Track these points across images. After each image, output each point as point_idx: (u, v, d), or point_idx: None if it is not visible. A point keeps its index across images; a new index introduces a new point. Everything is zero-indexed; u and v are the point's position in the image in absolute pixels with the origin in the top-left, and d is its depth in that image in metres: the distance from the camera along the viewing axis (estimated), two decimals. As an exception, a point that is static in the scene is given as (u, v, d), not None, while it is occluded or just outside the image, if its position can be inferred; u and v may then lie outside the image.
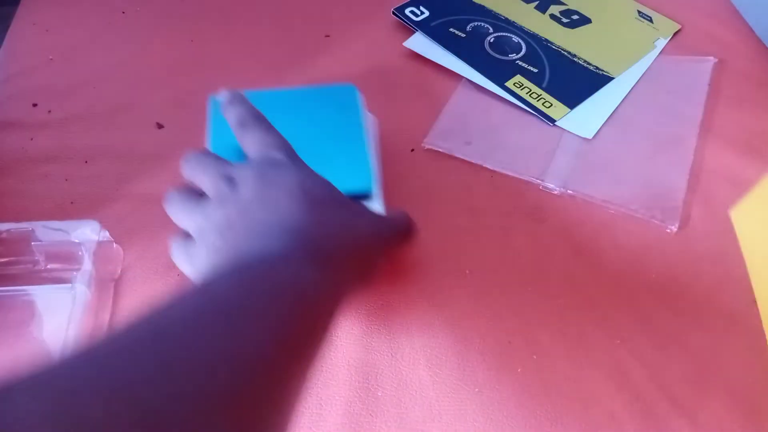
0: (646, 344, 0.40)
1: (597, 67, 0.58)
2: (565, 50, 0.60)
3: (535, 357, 0.39)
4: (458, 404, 0.37)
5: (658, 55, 0.60)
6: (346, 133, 0.40)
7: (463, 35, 0.60)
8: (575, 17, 0.64)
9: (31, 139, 0.51)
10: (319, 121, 0.41)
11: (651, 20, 0.64)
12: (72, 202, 0.47)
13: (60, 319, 0.38)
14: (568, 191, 0.48)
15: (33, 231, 0.40)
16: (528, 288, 0.43)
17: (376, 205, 0.37)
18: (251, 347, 0.22)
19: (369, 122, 0.42)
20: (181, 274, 0.43)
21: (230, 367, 0.20)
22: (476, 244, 0.45)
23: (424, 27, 0.60)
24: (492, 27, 0.62)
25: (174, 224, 0.33)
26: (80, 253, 0.40)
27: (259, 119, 0.34)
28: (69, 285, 0.40)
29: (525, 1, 0.65)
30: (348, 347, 0.39)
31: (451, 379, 0.38)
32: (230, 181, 0.31)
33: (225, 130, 0.35)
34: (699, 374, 0.39)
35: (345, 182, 0.34)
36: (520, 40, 0.60)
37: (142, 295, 0.41)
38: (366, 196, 0.37)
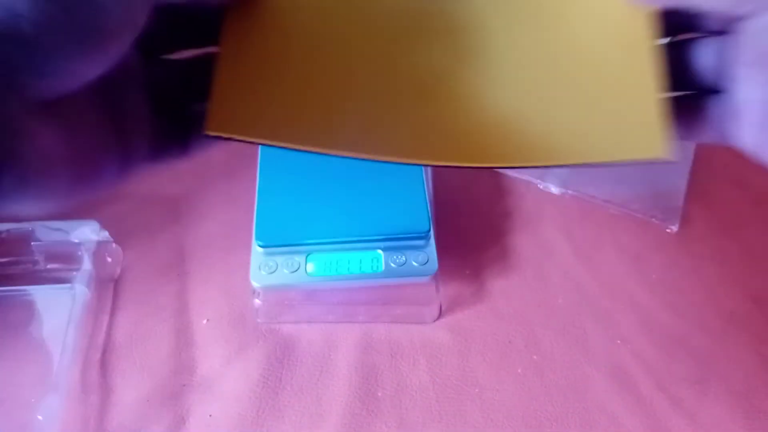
0: (646, 344, 0.40)
1: (597, 67, 0.58)
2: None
3: (535, 357, 0.39)
4: (458, 404, 0.37)
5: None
6: (406, 172, 0.41)
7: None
8: (575, 17, 0.64)
9: (31, 139, 0.51)
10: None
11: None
12: (72, 202, 0.47)
13: (60, 319, 0.38)
14: (568, 191, 0.48)
15: (33, 231, 0.40)
16: (528, 288, 0.43)
17: (430, 243, 0.38)
18: None
19: None
20: (181, 273, 0.43)
21: None
22: (476, 244, 0.45)
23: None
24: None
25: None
26: (80, 253, 0.40)
27: None
28: (69, 285, 0.40)
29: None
30: (348, 347, 0.39)
31: (451, 379, 0.38)
32: None
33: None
34: (699, 374, 0.39)
35: (402, 222, 0.34)
36: (520, 40, 0.60)
37: (142, 295, 0.41)
38: (421, 236, 0.38)
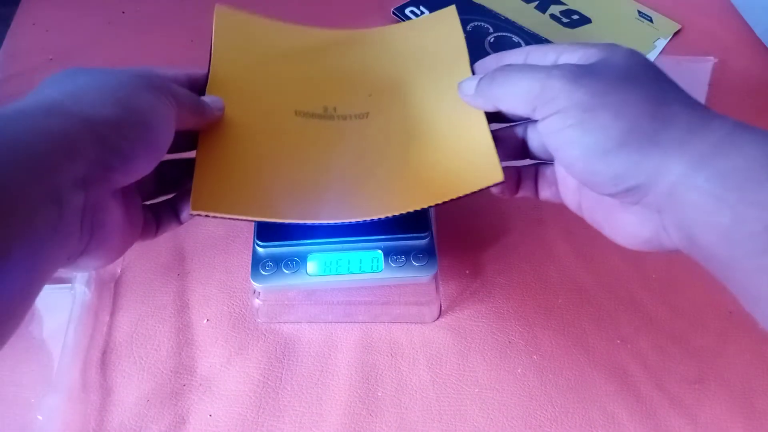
0: (646, 344, 0.40)
1: (597, 67, 0.58)
2: (565, 50, 0.60)
3: (535, 357, 0.39)
4: (458, 404, 0.37)
5: (658, 55, 0.60)
6: None
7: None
8: (575, 17, 0.64)
9: (31, 139, 0.51)
10: None
11: (651, 20, 0.64)
12: (72, 202, 0.47)
13: (60, 319, 0.38)
14: (568, 191, 0.48)
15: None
16: (528, 288, 0.43)
17: (430, 243, 0.38)
18: None
19: None
20: (181, 273, 0.43)
21: None
22: (476, 244, 0.45)
23: (424, 27, 0.60)
24: (492, 27, 0.62)
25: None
26: (80, 253, 0.40)
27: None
28: (69, 285, 0.40)
29: (525, 1, 0.65)
30: (348, 347, 0.40)
31: (451, 379, 0.38)
32: None
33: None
34: (699, 374, 0.39)
35: (402, 222, 0.37)
36: (520, 40, 0.60)
37: (142, 295, 0.41)
38: (421, 236, 0.38)
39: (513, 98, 0.28)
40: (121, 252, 0.27)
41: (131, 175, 0.25)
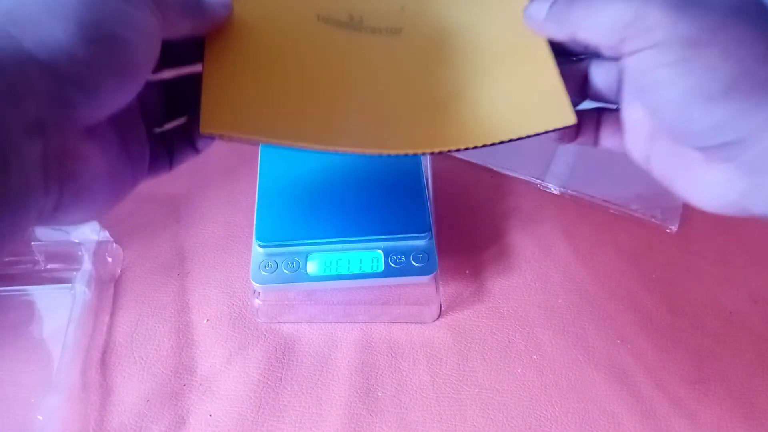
0: (646, 344, 0.40)
1: (597, 67, 0.58)
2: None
3: (535, 357, 0.39)
4: (458, 404, 0.37)
5: (658, 55, 0.60)
6: (406, 173, 0.41)
7: (463, 35, 0.60)
8: (575, 17, 0.64)
9: (31, 139, 0.51)
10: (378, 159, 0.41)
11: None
12: (72, 202, 0.47)
13: (60, 319, 0.38)
14: (568, 191, 0.48)
15: (33, 231, 0.40)
16: (528, 288, 0.43)
17: (430, 243, 0.38)
18: None
19: (423, 158, 0.44)
20: (181, 273, 0.43)
21: None
22: (476, 244, 0.45)
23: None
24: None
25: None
26: (80, 252, 0.40)
27: None
28: (69, 285, 0.40)
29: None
30: (348, 347, 0.40)
31: (451, 379, 0.38)
32: None
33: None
34: (699, 374, 0.39)
35: (402, 222, 0.37)
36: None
37: (142, 295, 0.41)
38: (421, 236, 0.38)
39: (597, 26, 0.23)
40: (118, 196, 0.23)
41: (102, 108, 0.21)
